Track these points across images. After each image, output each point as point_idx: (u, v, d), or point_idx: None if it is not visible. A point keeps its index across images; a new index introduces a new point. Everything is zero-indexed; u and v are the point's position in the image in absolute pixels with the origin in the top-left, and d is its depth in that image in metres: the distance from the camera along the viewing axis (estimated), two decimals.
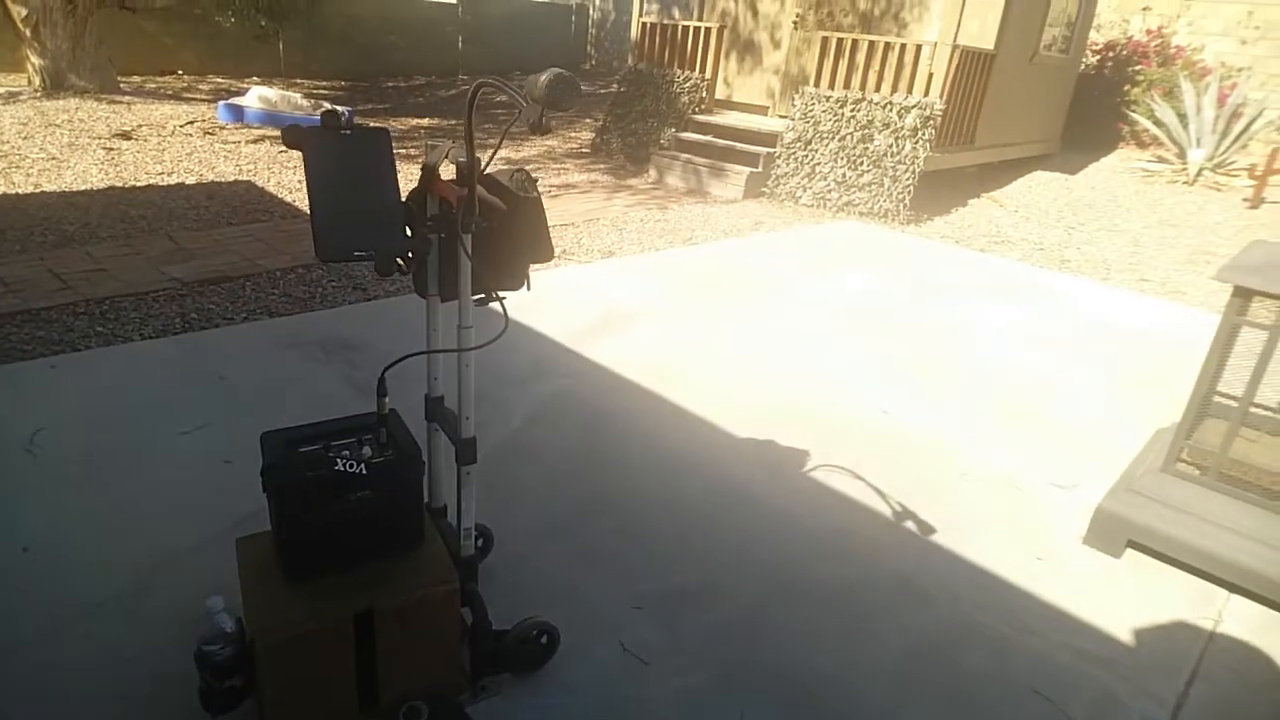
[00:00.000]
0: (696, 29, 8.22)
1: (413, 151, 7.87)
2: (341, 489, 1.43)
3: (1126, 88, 10.49)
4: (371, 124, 9.03)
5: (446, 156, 1.54)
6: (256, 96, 8.11)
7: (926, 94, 6.87)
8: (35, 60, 8.36)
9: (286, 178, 6.30)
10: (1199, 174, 8.94)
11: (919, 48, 6.89)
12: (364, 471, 1.45)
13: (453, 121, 9.95)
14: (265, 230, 4.96)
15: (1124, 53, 10.79)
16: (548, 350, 3.51)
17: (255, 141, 7.39)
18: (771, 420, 3.07)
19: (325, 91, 11.04)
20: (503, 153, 8.50)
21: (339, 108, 8.65)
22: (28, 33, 8.19)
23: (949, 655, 1.95)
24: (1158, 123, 9.46)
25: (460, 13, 14.06)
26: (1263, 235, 7.19)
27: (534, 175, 1.64)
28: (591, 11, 16.33)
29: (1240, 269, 2.11)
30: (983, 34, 7.56)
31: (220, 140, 7.28)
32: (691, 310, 4.18)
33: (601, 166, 8.21)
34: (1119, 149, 10.63)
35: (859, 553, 2.31)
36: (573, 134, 9.94)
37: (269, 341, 3.38)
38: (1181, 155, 9.19)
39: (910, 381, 3.56)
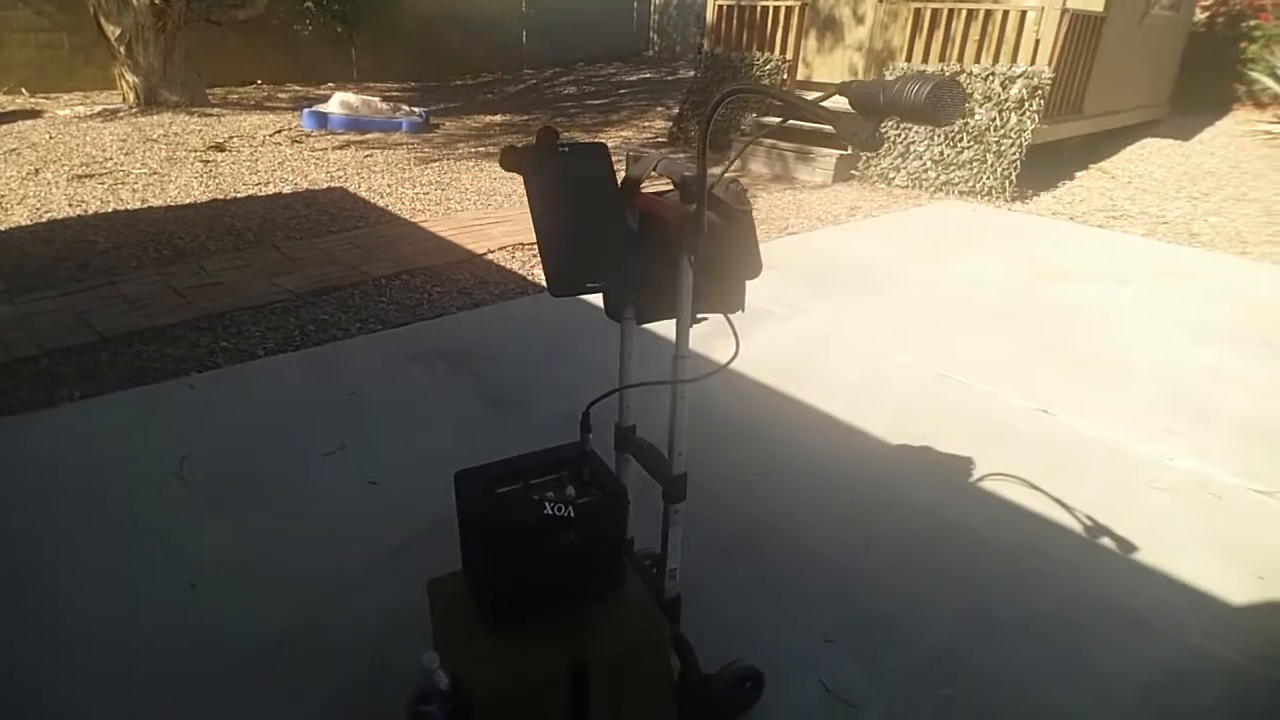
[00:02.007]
0: (775, 8, 7.93)
1: (492, 150, 7.83)
2: (550, 533, 1.31)
3: (1242, 45, 9.71)
4: (446, 123, 9.07)
5: (655, 170, 1.40)
6: (339, 102, 8.19)
7: (1033, 62, 6.44)
8: (129, 77, 8.63)
9: (376, 182, 6.32)
10: None
11: (1023, 13, 6.46)
12: (572, 514, 1.33)
13: (525, 117, 9.89)
14: (364, 237, 4.96)
15: (1237, 7, 9.99)
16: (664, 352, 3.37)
17: (341, 148, 7.46)
18: (920, 422, 2.86)
19: (398, 93, 11.13)
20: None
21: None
22: (122, 50, 8.46)
23: (1184, 692, 1.74)
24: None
25: (524, 7, 14.01)
26: None
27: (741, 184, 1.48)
28: None
29: None
30: None
31: (308, 148, 7.37)
32: (808, 306, 3.98)
33: (681, 156, 8.00)
34: (1234, 111, 9.87)
35: (1055, 575, 2.10)
36: (646, 123, 9.77)
37: (390, 353, 3.33)
38: None
39: (1060, 376, 3.29)
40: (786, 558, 2.14)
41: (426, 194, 6.06)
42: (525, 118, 9.86)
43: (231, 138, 7.56)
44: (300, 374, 3.14)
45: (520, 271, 4.44)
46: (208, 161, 6.67)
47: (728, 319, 1.43)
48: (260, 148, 7.27)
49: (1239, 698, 1.72)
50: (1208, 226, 6.00)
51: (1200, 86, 9.97)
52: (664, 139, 8.79)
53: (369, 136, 8.03)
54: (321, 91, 10.70)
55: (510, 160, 1.29)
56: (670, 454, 1.45)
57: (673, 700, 1.46)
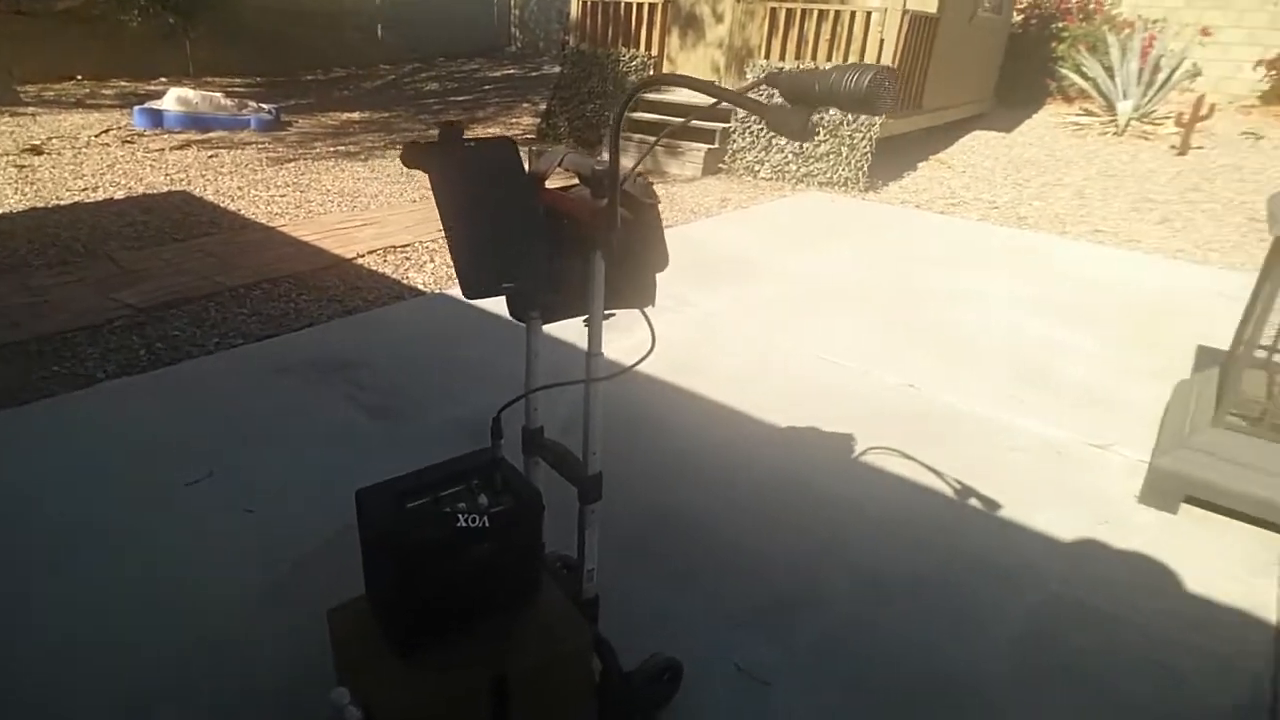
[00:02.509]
0: (639, 5, 8.02)
1: (352, 149, 7.46)
2: (465, 545, 1.27)
3: (1053, 44, 10.79)
4: (300, 120, 8.54)
5: (561, 164, 1.37)
6: (175, 98, 7.53)
7: (879, 60, 6.87)
8: None
9: (225, 184, 5.86)
10: (1128, 125, 9.28)
11: (869, 14, 6.88)
12: (486, 524, 1.29)
13: (386, 114, 9.49)
14: (215, 244, 4.59)
15: (1048, 10, 11.08)
16: (554, 352, 3.34)
17: (181, 148, 6.86)
18: (804, 405, 3.00)
19: (242, 89, 10.36)
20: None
21: (274, 104, 8.13)
22: None
23: (1057, 637, 1.92)
24: (1085, 77, 9.77)
25: (377, 1, 13.41)
26: (1195, 180, 7.51)
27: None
28: None
29: None
30: None
31: (142, 149, 6.73)
32: (693, 298, 4.06)
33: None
34: (1047, 105, 10.96)
35: (935, 540, 2.26)
36: (513, 119, 9.63)
37: (257, 369, 3.11)
38: (1110, 108, 9.52)
39: (923, 353, 3.54)
40: (695, 546, 2.18)
41: (284, 196, 5.69)
42: (386, 114, 9.47)
43: (50, 139, 6.78)
44: (152, 397, 2.87)
45: (394, 275, 4.26)
46: (23, 166, 5.95)
47: (643, 314, 1.43)
48: (85, 150, 6.56)
49: (1110, 637, 1.92)
50: (1032, 210, 6.63)
51: (1019, 83, 11.01)
52: (533, 135, 8.69)
53: (212, 135, 7.44)
54: (153, 88, 9.79)
55: (413, 157, 1.23)
56: (585, 454, 1.44)
57: (594, 702, 1.46)
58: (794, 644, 1.84)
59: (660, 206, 1.45)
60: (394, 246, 4.69)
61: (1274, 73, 9.96)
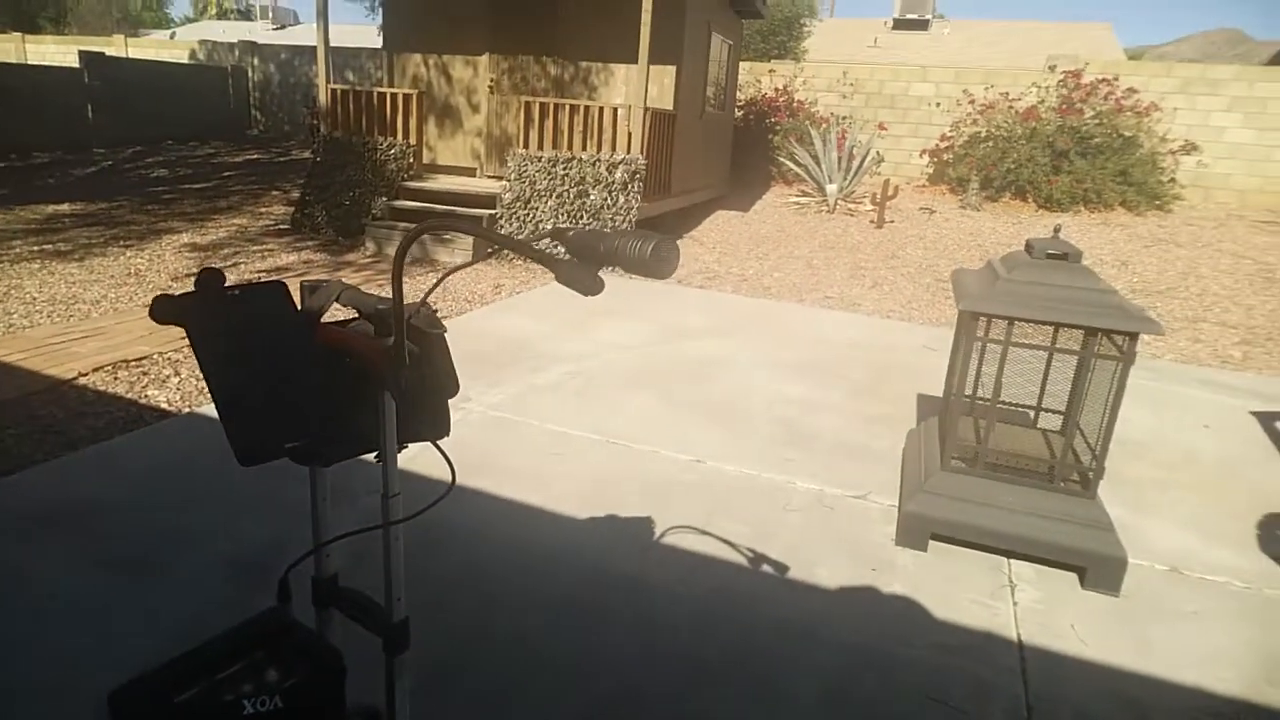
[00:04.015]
0: (394, 95, 7.98)
1: (63, 247, 6.49)
2: None
3: (770, 136, 12.40)
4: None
5: (338, 300, 1.32)
6: None
7: (629, 151, 7.44)
8: None
9: None
10: (836, 203, 10.87)
11: (615, 110, 7.45)
12: (280, 705, 1.15)
13: (105, 204, 8.41)
14: None
15: (762, 107, 12.76)
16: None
17: None
18: (600, 493, 3.07)
19: None
20: (185, 237, 7.40)
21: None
22: None
23: (858, 690, 2.12)
24: (798, 164, 11.32)
25: (86, 78, 11.96)
26: (892, 249, 8.94)
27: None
28: (250, 74, 14.97)
29: (973, 298, 2.63)
30: (662, 96, 8.43)
31: None
32: (473, 393, 4.02)
33: (311, 243, 7.53)
34: (773, 187, 12.51)
35: (738, 612, 2.40)
36: (263, 209, 8.99)
37: None
38: (820, 190, 11.10)
39: (702, 425, 3.80)
40: (509, 659, 2.12)
41: None
42: (106, 205, 8.39)
43: None
44: None
45: (130, 395, 3.74)
46: None
47: (437, 446, 1.40)
48: None
49: (893, 680, 2.15)
50: (774, 280, 7.48)
51: (748, 168, 12.48)
52: (286, 225, 8.18)
53: None
54: None
55: (165, 312, 1.11)
56: (388, 600, 1.36)
57: None
58: None
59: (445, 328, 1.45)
60: (125, 361, 4.12)
61: (934, 160, 12.28)
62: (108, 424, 3.42)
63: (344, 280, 1.39)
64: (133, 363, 4.11)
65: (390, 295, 1.21)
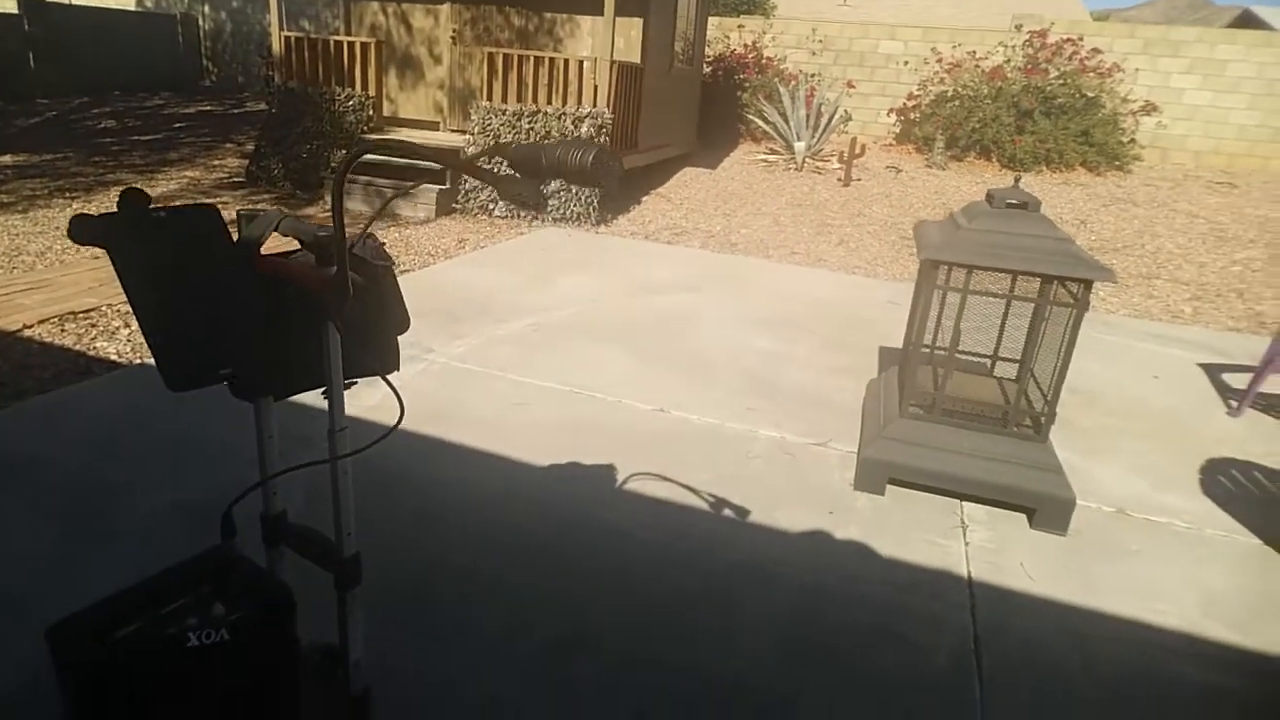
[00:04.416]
0: (350, 44, 7.71)
1: (5, 199, 6.22)
2: (201, 669, 1.10)
3: (738, 93, 12.26)
4: None
5: (277, 229, 1.27)
6: None
7: (595, 104, 7.31)
8: None
9: None
10: (804, 161, 10.83)
11: (581, 62, 7.29)
12: (226, 637, 1.14)
13: (51, 156, 8.05)
14: None
15: (731, 64, 12.58)
16: (287, 414, 3.07)
17: None
18: (562, 442, 3.08)
19: None
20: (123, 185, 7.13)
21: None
22: None
23: (815, 626, 2.17)
24: (767, 121, 11.23)
25: (27, 25, 11.34)
26: (858, 207, 8.96)
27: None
28: (201, 22, 14.33)
29: (934, 247, 2.65)
30: (629, 49, 8.26)
31: None
32: (436, 344, 3.97)
33: (267, 196, 7.31)
34: (741, 144, 12.40)
35: (699, 555, 2.44)
36: (216, 160, 8.69)
37: None
38: (789, 147, 11.03)
39: (667, 377, 3.81)
40: (472, 601, 2.13)
41: None
42: (52, 156, 8.03)
43: None
44: None
45: (77, 347, 3.62)
46: None
47: (387, 380, 1.38)
48: None
49: (852, 615, 2.21)
50: (741, 237, 7.46)
51: (716, 125, 12.34)
52: (241, 178, 7.92)
53: None
54: None
55: (84, 231, 1.06)
56: (338, 535, 1.35)
57: None
58: (577, 685, 1.87)
59: (394, 261, 1.41)
60: (73, 313, 3.99)
61: (901, 118, 12.27)
62: (55, 375, 3.32)
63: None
64: (80, 315, 3.98)
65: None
